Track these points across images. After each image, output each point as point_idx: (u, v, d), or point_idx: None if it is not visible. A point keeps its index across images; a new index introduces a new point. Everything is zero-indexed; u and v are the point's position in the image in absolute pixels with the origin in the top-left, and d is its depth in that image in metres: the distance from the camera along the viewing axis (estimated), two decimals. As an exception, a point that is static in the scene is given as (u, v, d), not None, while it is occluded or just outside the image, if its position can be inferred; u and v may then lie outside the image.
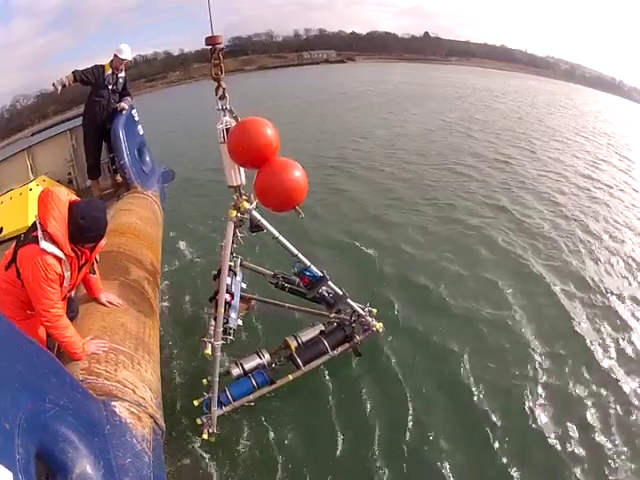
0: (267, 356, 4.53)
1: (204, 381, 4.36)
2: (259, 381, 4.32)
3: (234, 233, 4.10)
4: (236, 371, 4.35)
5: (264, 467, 3.91)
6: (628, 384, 4.82)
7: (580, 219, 9.39)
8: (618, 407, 4.52)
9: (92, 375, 2.58)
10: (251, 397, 4.29)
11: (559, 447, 4.08)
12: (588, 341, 5.47)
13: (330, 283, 4.46)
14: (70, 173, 6.71)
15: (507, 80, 57.63)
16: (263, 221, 4.02)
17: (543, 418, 4.37)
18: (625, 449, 4.07)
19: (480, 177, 12.01)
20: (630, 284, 6.90)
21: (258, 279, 5.26)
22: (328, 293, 4.62)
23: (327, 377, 4.77)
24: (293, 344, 4.63)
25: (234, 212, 3.97)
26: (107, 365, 2.68)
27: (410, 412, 4.40)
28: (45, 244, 2.46)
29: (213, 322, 4.02)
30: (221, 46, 3.73)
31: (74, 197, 2.72)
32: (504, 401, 4.54)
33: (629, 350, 5.38)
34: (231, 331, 4.00)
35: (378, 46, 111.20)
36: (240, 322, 4.20)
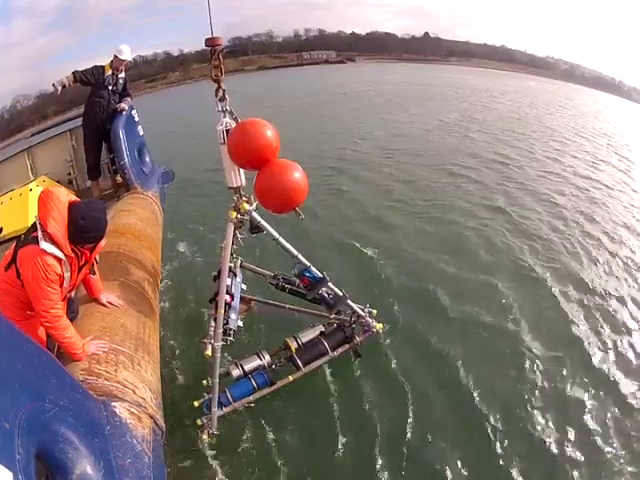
0: (267, 357, 4.53)
1: (204, 382, 4.35)
2: (259, 382, 4.32)
3: (234, 234, 4.10)
4: (236, 372, 4.35)
5: (264, 468, 3.91)
6: (627, 387, 4.81)
7: (579, 220, 9.37)
8: (617, 410, 4.51)
9: (92, 375, 2.58)
10: (251, 398, 4.29)
11: (558, 449, 4.07)
12: (587, 343, 5.45)
13: (330, 284, 4.46)
14: (70, 174, 6.72)
15: (506, 80, 57.61)
16: (263, 222, 4.02)
17: (542, 420, 4.36)
18: (624, 452, 4.05)
19: (479, 178, 11.99)
20: (629, 285, 6.88)
21: (258, 280, 5.26)
22: (328, 294, 4.62)
23: (327, 378, 4.77)
24: (293, 345, 4.63)
25: (234, 213, 3.98)
26: (107, 366, 2.69)
27: (410, 413, 4.40)
28: (45, 244, 2.46)
29: (213, 323, 4.01)
30: (221, 47, 3.73)
31: (74, 198, 2.73)
32: (504, 402, 4.53)
33: (628, 352, 5.36)
34: (231, 332, 4.00)
35: (378, 46, 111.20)
36: (240, 323, 4.20)
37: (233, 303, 4.13)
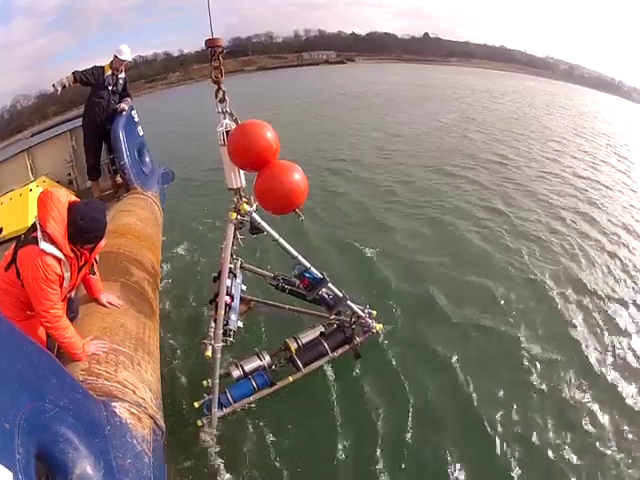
0: (267, 358, 4.52)
1: (204, 383, 4.35)
2: (259, 383, 4.32)
3: (234, 235, 4.10)
4: (236, 373, 4.35)
5: (264, 468, 3.91)
6: (627, 389, 4.78)
7: (578, 221, 9.34)
8: (616, 413, 4.48)
9: (92, 376, 2.58)
10: (251, 399, 4.29)
11: (557, 451, 4.05)
12: (586, 346, 5.42)
13: (330, 285, 4.46)
14: (70, 174, 6.72)
15: (506, 81, 57.69)
16: (263, 223, 4.03)
17: (541, 422, 4.34)
18: (623, 455, 4.03)
19: (478, 179, 11.98)
20: (628, 287, 6.86)
21: (258, 281, 5.26)
22: (328, 295, 4.62)
23: (327, 379, 4.76)
24: (293, 346, 4.62)
25: (234, 214, 3.98)
26: (107, 366, 2.69)
27: (410, 414, 4.39)
28: (45, 245, 2.46)
29: (213, 324, 4.01)
30: (221, 49, 3.73)
31: (73, 198, 2.73)
32: (504, 404, 4.52)
33: (628, 355, 5.33)
34: (231, 333, 4.00)
35: (378, 47, 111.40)
36: (240, 324, 4.19)
37: (233, 304, 4.13)
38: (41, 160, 6.62)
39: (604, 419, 4.41)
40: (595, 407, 4.54)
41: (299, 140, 16.14)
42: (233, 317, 4.05)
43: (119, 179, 6.08)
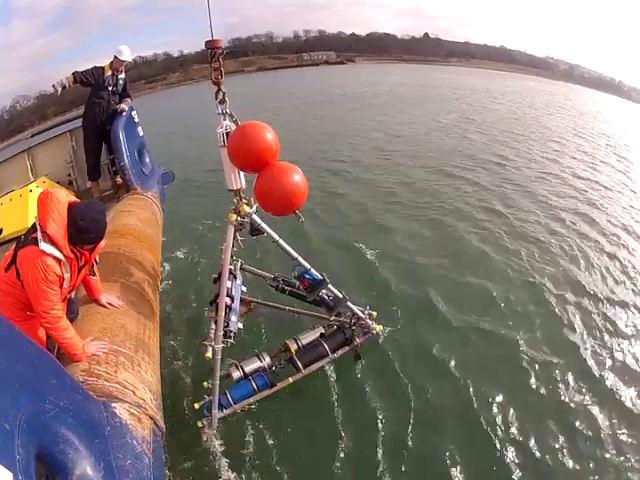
0: (267, 359, 4.53)
1: (205, 384, 4.35)
2: (259, 384, 4.32)
3: (234, 237, 4.10)
4: (236, 374, 4.35)
5: (265, 469, 3.90)
6: (626, 393, 4.76)
7: (578, 222, 9.31)
8: (615, 416, 4.46)
9: (92, 376, 2.58)
10: (252, 400, 4.29)
11: (558, 454, 4.04)
12: (585, 349, 5.40)
13: (330, 286, 4.46)
14: (70, 174, 6.71)
15: (506, 81, 57.69)
16: (263, 225, 4.03)
17: (541, 424, 4.34)
18: (621, 459, 4.02)
19: (477, 180, 11.97)
20: (627, 289, 6.83)
21: (258, 282, 5.26)
22: (328, 296, 4.62)
23: (327, 380, 4.76)
24: (293, 347, 4.63)
25: (234, 216, 3.98)
26: (107, 366, 2.69)
27: (411, 414, 4.39)
28: (44, 245, 2.46)
29: (214, 325, 4.01)
30: (221, 50, 3.73)
31: (73, 198, 2.73)
32: (504, 406, 4.51)
33: (627, 358, 5.31)
34: (232, 334, 4.00)
35: (378, 47, 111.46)
36: (240, 325, 4.19)
37: (233, 305, 4.13)
38: (41, 161, 6.62)
39: (603, 422, 4.39)
40: (594, 410, 4.53)
41: (299, 141, 16.15)
42: (233, 318, 4.05)
43: (119, 180, 6.08)
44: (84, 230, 2.61)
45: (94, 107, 5.84)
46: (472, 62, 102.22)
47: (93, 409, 2.21)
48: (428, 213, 9.54)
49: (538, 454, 4.02)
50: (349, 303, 4.65)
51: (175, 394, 4.50)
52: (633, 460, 4.00)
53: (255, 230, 4.11)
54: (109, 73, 5.71)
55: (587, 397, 4.69)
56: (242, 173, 3.97)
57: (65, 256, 2.58)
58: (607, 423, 4.38)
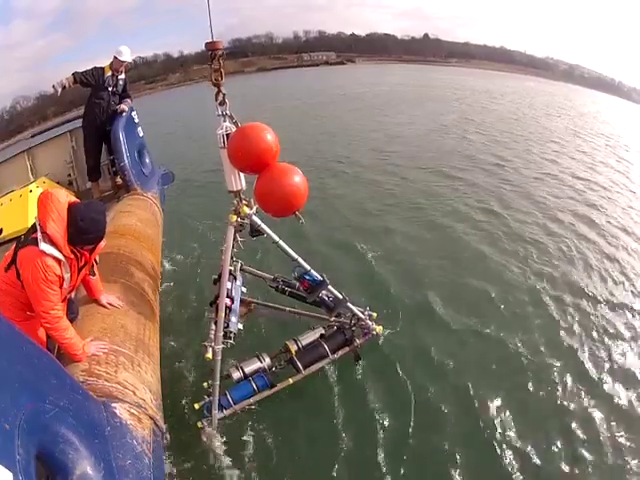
0: (267, 360, 4.53)
1: (205, 384, 4.35)
2: (259, 384, 4.32)
3: (234, 238, 4.11)
4: (237, 375, 4.35)
5: (264, 469, 3.91)
6: (624, 396, 4.74)
7: (576, 224, 9.28)
8: (612, 419, 4.44)
9: (92, 376, 2.58)
10: (251, 400, 4.29)
11: (556, 455, 4.04)
12: (584, 352, 5.38)
13: (330, 287, 4.46)
14: (70, 175, 6.71)
15: (506, 81, 57.65)
16: (263, 226, 4.03)
17: (541, 427, 4.33)
18: (620, 463, 4.01)
19: (476, 181, 11.95)
20: (626, 291, 6.80)
21: (258, 283, 5.27)
22: (328, 297, 4.62)
23: (327, 380, 4.76)
24: (293, 348, 4.63)
25: (234, 217, 3.99)
26: (107, 367, 2.69)
27: (412, 416, 4.39)
28: (44, 246, 2.47)
29: (214, 326, 4.02)
30: (221, 51, 3.73)
31: (73, 199, 2.73)
32: (504, 407, 4.50)
33: (626, 361, 5.28)
34: (232, 335, 4.01)
35: (378, 48, 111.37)
36: (240, 326, 4.20)
37: (233, 306, 4.14)
38: (41, 161, 6.62)
39: (601, 425, 4.38)
40: (592, 412, 4.51)
41: (299, 141, 16.15)
42: (233, 319, 4.06)
43: (119, 180, 6.08)
44: (84, 230, 2.61)
45: (94, 107, 5.84)
46: (472, 62, 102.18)
47: (93, 409, 2.21)
48: (427, 214, 9.53)
49: (538, 457, 4.01)
50: (349, 304, 4.65)
51: (175, 394, 4.50)
52: (632, 463, 3.99)
53: (255, 231, 4.11)
54: (109, 74, 5.71)
55: (585, 399, 4.68)
56: (242, 174, 3.98)
57: (65, 256, 2.58)
58: (605, 425, 4.37)
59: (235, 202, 4.05)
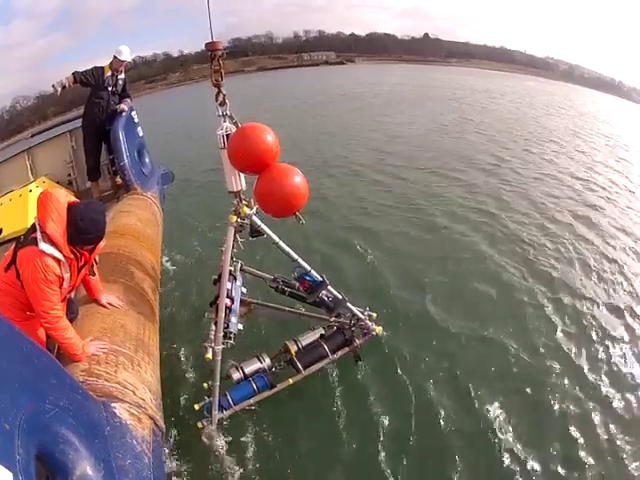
0: (267, 360, 4.53)
1: (205, 385, 4.35)
2: (259, 385, 4.32)
3: (234, 238, 4.11)
4: (236, 375, 4.35)
5: (264, 470, 3.91)
6: (621, 400, 4.71)
7: (575, 225, 9.24)
8: (610, 422, 4.42)
9: (92, 376, 2.58)
10: (252, 401, 4.29)
11: (558, 459, 4.02)
12: (581, 354, 5.35)
13: (330, 287, 4.46)
14: (70, 174, 6.71)
15: (506, 81, 57.67)
16: (263, 226, 4.03)
17: (544, 429, 4.32)
18: (618, 466, 3.99)
19: (476, 181, 11.92)
20: (625, 293, 6.76)
21: (258, 283, 5.27)
22: (328, 297, 4.62)
23: (327, 381, 4.76)
24: (293, 348, 4.63)
25: (234, 217, 3.99)
26: (107, 366, 2.69)
27: (412, 416, 4.39)
28: (44, 246, 2.47)
29: (214, 327, 4.02)
30: (221, 52, 3.73)
31: (73, 199, 2.73)
32: (504, 408, 4.50)
33: (623, 364, 5.25)
34: (232, 335, 4.00)
35: (378, 47, 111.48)
36: (240, 326, 4.19)
37: (233, 307, 4.14)
38: (41, 161, 6.62)
39: (599, 428, 4.36)
40: (591, 416, 4.49)
41: (299, 140, 16.14)
42: (233, 320, 4.06)
43: (119, 180, 6.08)
44: (83, 230, 2.61)
45: (94, 107, 5.84)
46: (472, 62, 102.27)
47: (93, 409, 2.21)
48: (427, 214, 9.51)
49: (537, 459, 3.99)
50: (349, 304, 4.65)
51: (175, 395, 4.50)
52: (631, 466, 3.98)
53: (255, 232, 4.11)
54: (109, 73, 5.71)
55: (584, 402, 4.66)
56: (242, 175, 3.98)
57: (65, 256, 2.58)
58: (603, 429, 4.35)
59: (235, 202, 4.05)
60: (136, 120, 6.27)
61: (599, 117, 29.68)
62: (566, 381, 4.91)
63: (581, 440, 4.20)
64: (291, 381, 4.45)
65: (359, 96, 31.68)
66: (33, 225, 2.58)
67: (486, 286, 6.62)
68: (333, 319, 4.96)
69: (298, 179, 3.71)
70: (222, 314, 3.92)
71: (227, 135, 3.80)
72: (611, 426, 4.37)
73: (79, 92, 6.45)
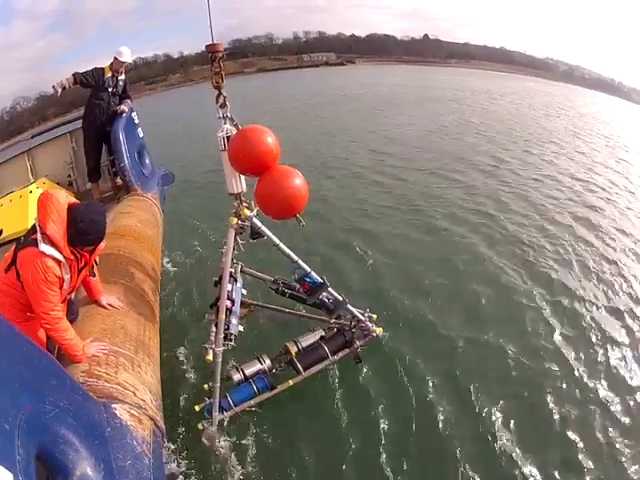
0: (268, 361, 4.53)
1: (205, 386, 4.35)
2: (260, 386, 4.32)
3: (235, 240, 4.11)
4: (237, 376, 4.35)
5: (264, 471, 3.90)
6: (618, 403, 4.67)
7: (575, 226, 9.21)
8: (607, 426, 4.39)
9: (92, 377, 2.59)
10: (252, 402, 4.29)
11: (558, 462, 4.01)
12: (580, 357, 5.32)
13: (330, 289, 4.46)
14: (70, 175, 6.72)
15: (506, 82, 57.67)
16: (264, 228, 4.03)
17: (545, 432, 4.31)
18: (616, 469, 3.97)
19: (475, 183, 11.90)
20: (625, 296, 6.73)
21: (259, 285, 5.27)
22: (328, 299, 4.62)
23: (327, 382, 4.76)
24: (293, 349, 4.63)
25: (235, 219, 3.99)
26: (107, 367, 2.70)
27: (413, 416, 4.38)
28: (44, 247, 2.47)
29: (214, 328, 4.02)
30: (221, 54, 3.74)
31: (73, 200, 2.73)
32: (504, 409, 4.49)
33: (621, 366, 5.21)
34: (232, 337, 4.01)
35: (378, 48, 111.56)
36: (241, 328, 4.19)
37: (234, 308, 4.14)
38: (41, 162, 6.63)
39: (598, 431, 4.33)
40: (590, 419, 4.47)
41: (299, 141, 16.16)
42: (234, 321, 4.06)
43: (119, 181, 6.09)
44: (83, 232, 2.62)
45: (94, 108, 5.85)
46: (472, 63, 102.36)
47: (93, 410, 2.21)
48: (427, 216, 9.50)
49: (537, 463, 3.96)
50: (349, 306, 4.65)
51: (175, 396, 4.50)
52: (630, 470, 3.96)
53: (255, 234, 4.11)
54: (109, 74, 5.72)
55: (584, 404, 4.65)
56: (243, 177, 3.98)
57: (65, 257, 2.58)
58: (603, 432, 4.32)
59: (236, 204, 4.06)
60: (136, 121, 6.28)
61: (599, 118, 29.65)
62: (565, 384, 4.89)
63: (580, 444, 4.18)
64: (291, 382, 4.45)
65: (359, 97, 31.71)
66: (33, 226, 2.59)
67: (486, 288, 6.60)
68: (333, 321, 4.95)
69: (299, 181, 3.71)
70: (223, 316, 3.92)
71: (227, 137, 3.81)
72: (610, 429, 4.35)
73: (79, 93, 6.47)
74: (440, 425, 4.32)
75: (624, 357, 5.37)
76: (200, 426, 4.09)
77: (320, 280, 4.42)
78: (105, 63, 5.77)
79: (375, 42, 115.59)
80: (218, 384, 4.02)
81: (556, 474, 3.89)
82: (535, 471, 3.89)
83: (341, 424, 4.31)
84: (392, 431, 4.24)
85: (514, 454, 4.04)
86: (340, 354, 4.75)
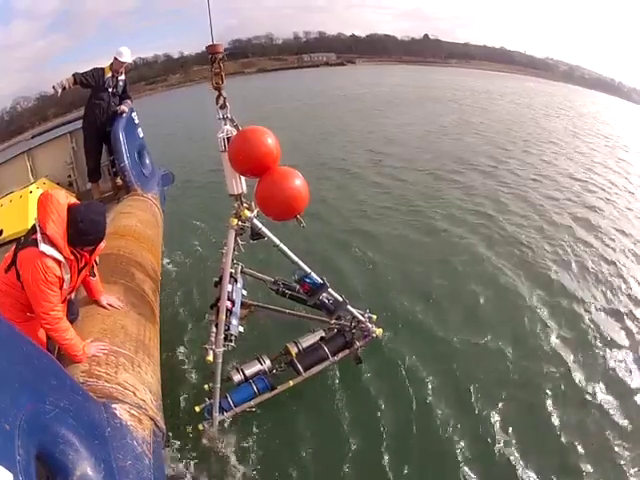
0: (268, 362, 4.54)
1: (205, 387, 4.34)
2: (260, 387, 4.32)
3: (235, 241, 4.11)
4: (237, 377, 4.35)
5: (264, 471, 3.90)
6: (618, 406, 4.66)
7: (574, 227, 9.19)
8: (607, 428, 4.38)
9: (92, 377, 2.59)
10: (252, 403, 4.29)
11: (557, 462, 4.02)
12: (579, 359, 5.30)
13: (330, 290, 4.46)
14: (70, 176, 6.72)
15: (506, 82, 57.68)
16: (264, 229, 4.03)
17: (546, 434, 4.30)
18: (615, 473, 3.97)
19: (475, 183, 11.88)
20: (624, 297, 6.70)
21: (259, 285, 5.27)
22: (328, 300, 4.62)
23: (328, 382, 4.76)
24: (293, 350, 4.63)
25: (235, 220, 3.99)
26: (107, 367, 2.70)
27: (414, 417, 4.39)
28: (44, 247, 2.47)
29: (214, 329, 4.01)
30: (222, 55, 3.74)
31: (73, 200, 2.73)
32: (505, 409, 4.50)
33: (619, 368, 5.19)
34: (232, 338, 4.00)
35: (378, 49, 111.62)
36: (241, 329, 4.19)
37: (234, 309, 4.14)
38: (41, 162, 6.63)
39: (597, 434, 4.33)
40: (589, 422, 4.47)
41: (300, 142, 16.14)
42: (234, 322, 4.06)
43: (119, 181, 6.09)
44: (83, 232, 2.62)
45: (94, 108, 5.85)
46: (472, 63, 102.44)
47: (93, 410, 2.22)
48: (426, 217, 9.50)
49: (536, 465, 3.96)
50: (349, 306, 4.65)
51: (176, 397, 4.50)
52: (629, 472, 3.95)
53: (256, 234, 4.10)
54: (109, 74, 5.72)
55: (582, 407, 4.64)
56: (243, 178, 3.98)
57: (65, 257, 2.59)
58: (602, 435, 4.31)
59: (236, 205, 4.06)
60: (136, 121, 6.28)
61: (599, 118, 29.65)
62: (564, 386, 4.88)
63: (579, 446, 4.18)
64: (291, 383, 4.44)
65: (359, 97, 31.72)
66: (33, 226, 2.59)
67: (485, 289, 6.60)
68: (333, 321, 4.94)
69: (299, 182, 3.71)
70: (223, 316, 3.91)
71: (228, 138, 3.81)
72: (608, 432, 4.34)
73: (79, 93, 6.46)
74: (439, 426, 4.32)
75: (623, 359, 5.35)
76: (200, 427, 4.09)
77: (320, 281, 4.42)
78: (105, 63, 5.78)
79: (375, 42, 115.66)
80: (218, 385, 4.02)
81: (554, 477, 3.89)
82: (533, 473, 3.89)
83: (341, 424, 4.31)
84: (392, 432, 4.24)
85: (512, 456, 4.03)
86: (340, 355, 4.75)
